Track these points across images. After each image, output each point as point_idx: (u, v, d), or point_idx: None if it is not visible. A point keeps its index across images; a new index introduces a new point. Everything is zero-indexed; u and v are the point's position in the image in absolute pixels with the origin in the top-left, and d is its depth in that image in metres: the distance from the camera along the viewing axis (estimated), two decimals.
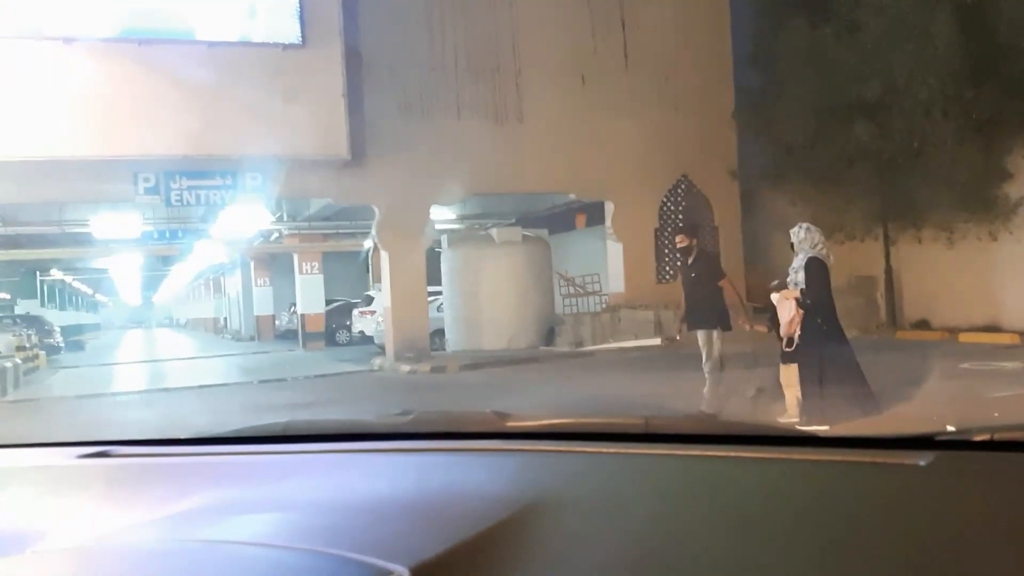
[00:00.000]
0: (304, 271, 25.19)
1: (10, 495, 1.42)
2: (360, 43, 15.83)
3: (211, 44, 14.33)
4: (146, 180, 14.83)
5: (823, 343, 6.77)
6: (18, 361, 18.05)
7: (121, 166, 14.27)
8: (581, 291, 21.37)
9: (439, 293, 19.43)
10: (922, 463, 1.17)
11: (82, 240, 23.09)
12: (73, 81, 13.47)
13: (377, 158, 16.01)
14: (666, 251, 18.42)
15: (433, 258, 18.59)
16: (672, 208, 18.71)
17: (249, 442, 1.61)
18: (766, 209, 18.43)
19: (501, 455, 1.39)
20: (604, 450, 1.35)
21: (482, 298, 18.27)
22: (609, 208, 18.39)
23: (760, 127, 16.87)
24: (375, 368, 16.61)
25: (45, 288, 44.80)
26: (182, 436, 1.69)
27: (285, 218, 24.18)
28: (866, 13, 14.48)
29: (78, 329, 60.99)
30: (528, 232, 19.53)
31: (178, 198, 15.06)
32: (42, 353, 23.08)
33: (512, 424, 1.56)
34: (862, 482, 1.21)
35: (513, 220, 22.51)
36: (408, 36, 16.39)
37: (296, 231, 24.53)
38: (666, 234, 18.41)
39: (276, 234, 25.59)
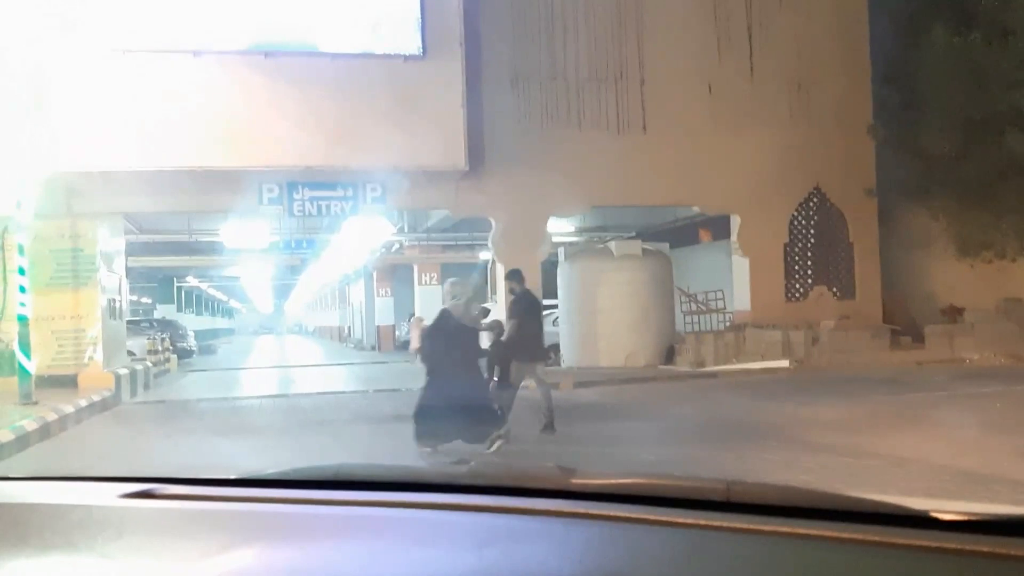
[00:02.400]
0: (423, 282, 25.31)
1: (46, 535, 1.36)
2: (480, 53, 15.69)
3: (334, 56, 14.44)
4: (270, 191, 15.07)
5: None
6: (148, 364, 18.72)
7: (246, 177, 14.54)
8: (704, 308, 20.57)
9: (554, 307, 19.06)
10: None
11: (211, 249, 23.85)
12: (201, 93, 13.79)
13: (495, 169, 15.82)
14: (796, 267, 17.51)
15: (548, 272, 18.22)
16: (803, 223, 17.77)
17: (299, 486, 1.54)
18: (905, 225, 17.28)
19: (566, 520, 1.28)
20: (680, 519, 1.23)
21: (599, 313, 17.80)
22: (735, 222, 17.61)
23: (900, 139, 15.83)
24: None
25: (182, 294, 46.89)
26: (231, 476, 1.62)
27: (406, 229, 24.37)
28: (1018, 17, 13.36)
29: (212, 334, 63.80)
30: (648, 246, 18.95)
31: (300, 209, 15.24)
32: (173, 356, 23.94)
33: (578, 481, 1.47)
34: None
35: (633, 233, 21.96)
36: (528, 45, 16.17)
37: (416, 243, 24.67)
38: (796, 250, 17.51)
39: (397, 245, 25.86)
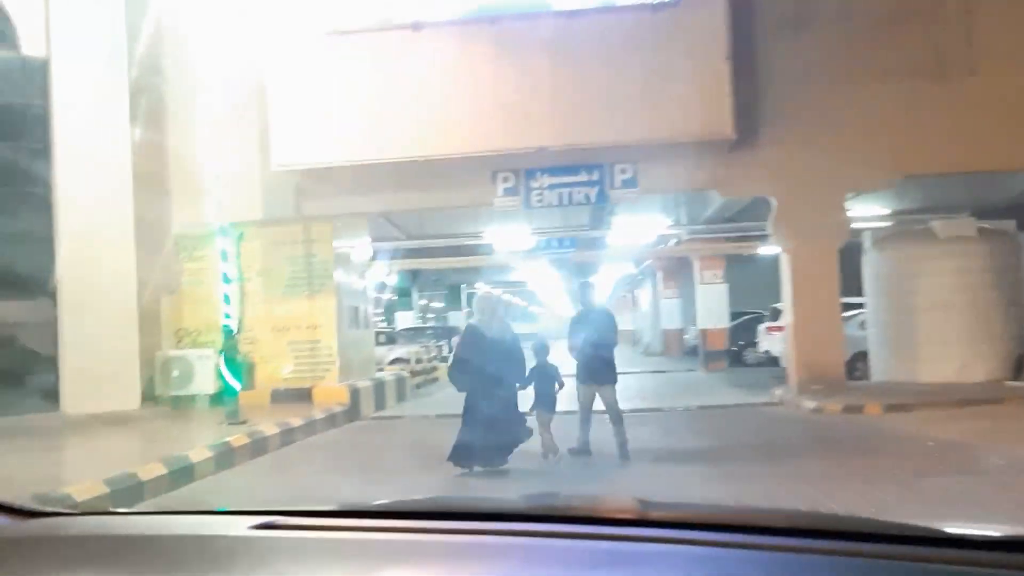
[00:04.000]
0: (705, 280, 22.37)
1: (183, 567, 1.46)
2: None
3: (571, 14, 12.28)
4: (505, 180, 13.21)
5: None
6: (404, 374, 17.72)
7: (476, 166, 12.78)
8: None
9: (860, 306, 15.47)
10: None
11: (478, 252, 22.67)
12: (423, 72, 12.22)
13: (771, 137, 12.79)
14: None
15: (848, 262, 14.65)
16: None
17: (402, 517, 1.64)
18: None
19: (647, 545, 1.37)
20: (749, 542, 1.34)
21: (919, 313, 14.04)
22: None
23: None
24: (773, 400, 13.31)
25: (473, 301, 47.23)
26: (341, 508, 1.71)
27: (684, 221, 21.66)
28: None
29: None
30: (986, 224, 14.77)
31: (539, 198, 13.22)
32: (443, 365, 23.08)
33: (658, 514, 1.57)
34: None
35: (967, 212, 17.55)
36: None
37: (695, 235, 21.81)
38: None
39: (675, 240, 23.18)
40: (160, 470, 7.48)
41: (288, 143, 12.28)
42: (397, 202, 13.66)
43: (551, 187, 13.18)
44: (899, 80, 12.62)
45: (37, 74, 12.56)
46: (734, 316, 23.02)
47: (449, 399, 17.01)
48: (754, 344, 21.09)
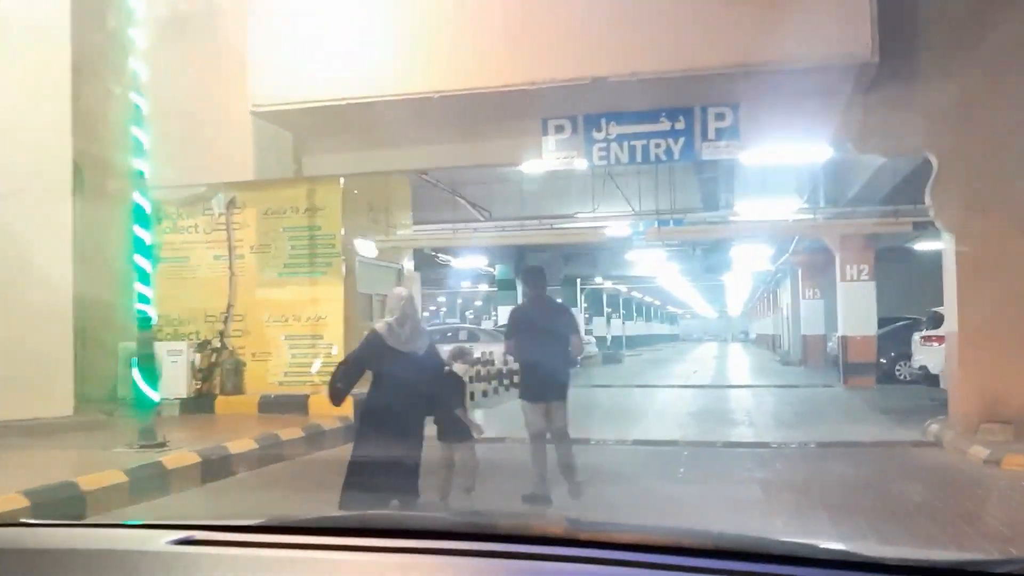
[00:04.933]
0: (847, 276, 18.23)
1: None
2: None
3: None
4: (559, 129, 9.93)
5: None
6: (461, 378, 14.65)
7: (520, 107, 9.58)
8: None
9: None
10: None
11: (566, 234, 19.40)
12: None
13: (935, 66, 8.98)
14: None
15: None
16: None
17: (327, 533, 1.55)
18: None
19: (574, 565, 1.35)
20: (667, 563, 1.32)
21: None
22: None
23: None
24: (926, 439, 9.47)
25: (598, 299, 43.92)
26: (265, 523, 1.62)
27: (822, 202, 17.64)
28: None
29: (644, 341, 60.95)
30: None
31: (603, 153, 9.86)
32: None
33: (586, 534, 1.50)
34: None
35: None
36: None
37: (835, 219, 17.69)
38: None
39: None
40: None
41: (271, 73, 9.41)
42: (422, 158, 10.55)
43: (619, 138, 9.80)
44: None
45: None
46: (884, 322, 18.72)
47: (504, 414, 13.97)
48: (907, 357, 16.83)
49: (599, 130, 9.84)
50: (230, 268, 11.01)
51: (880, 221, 11.67)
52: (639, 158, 9.82)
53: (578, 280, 35.90)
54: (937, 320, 15.26)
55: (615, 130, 9.80)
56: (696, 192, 16.89)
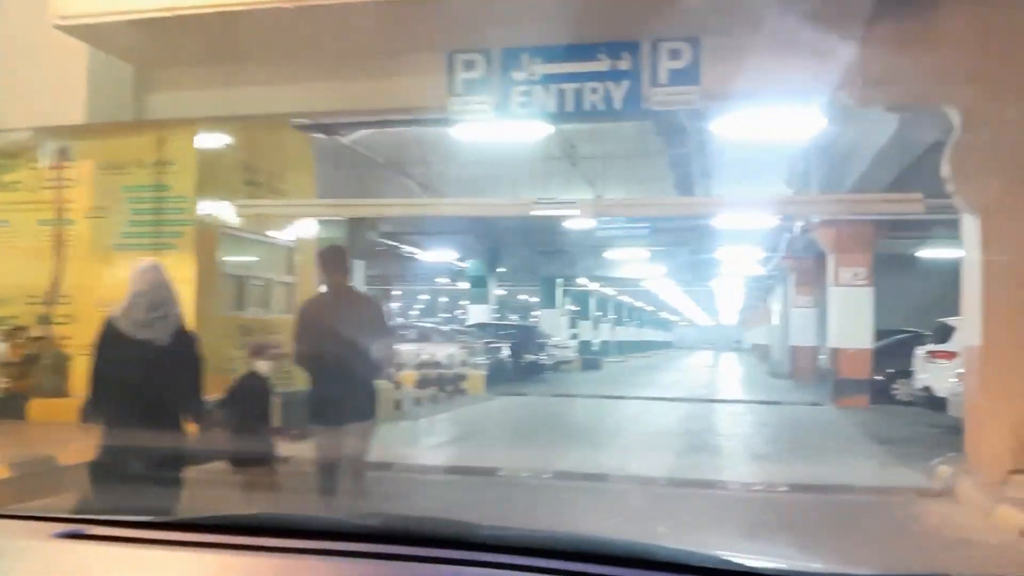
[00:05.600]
0: (840, 280, 15.95)
1: None
2: None
3: None
4: (468, 66, 7.64)
5: None
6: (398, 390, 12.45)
7: (412, 26, 7.31)
8: None
9: None
10: None
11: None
12: None
13: None
14: None
15: None
16: None
17: (220, 531, 1.50)
18: None
19: (470, 570, 1.34)
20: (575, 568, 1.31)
21: None
22: None
23: None
24: (934, 486, 7.19)
25: (583, 301, 41.68)
26: (158, 518, 1.57)
27: (814, 187, 15.30)
28: None
29: (634, 347, 58.67)
30: None
31: (524, 99, 7.57)
32: (478, 374, 17.64)
33: (483, 538, 1.46)
34: None
35: None
36: None
37: (833, 215, 15.37)
38: None
39: (802, 222, 16.84)
40: None
41: None
42: (298, 100, 8.19)
43: (546, 80, 7.52)
44: None
45: None
46: (882, 335, 16.41)
47: (446, 424, 11.77)
48: (907, 375, 14.52)
49: (520, 69, 7.56)
50: (57, 236, 8.72)
51: (886, 198, 9.32)
52: (570, 107, 7.51)
53: (558, 280, 33.58)
54: (944, 333, 13.01)
55: (540, 69, 7.52)
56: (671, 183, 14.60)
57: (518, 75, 7.55)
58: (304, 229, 10.68)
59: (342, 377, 4.91)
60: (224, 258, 9.09)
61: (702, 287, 43.74)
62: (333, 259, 5.18)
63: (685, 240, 23.92)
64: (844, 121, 10.94)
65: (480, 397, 16.22)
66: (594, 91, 7.42)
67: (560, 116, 7.92)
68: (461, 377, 16.36)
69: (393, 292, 42.42)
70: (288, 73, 8.06)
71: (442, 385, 15.66)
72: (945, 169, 6.96)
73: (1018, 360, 6.61)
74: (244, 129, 9.32)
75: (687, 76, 7.26)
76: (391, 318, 4.83)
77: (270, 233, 10.00)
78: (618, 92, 7.39)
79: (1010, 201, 6.73)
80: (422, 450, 9.51)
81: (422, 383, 14.63)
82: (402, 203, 10.98)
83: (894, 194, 9.11)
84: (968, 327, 7.37)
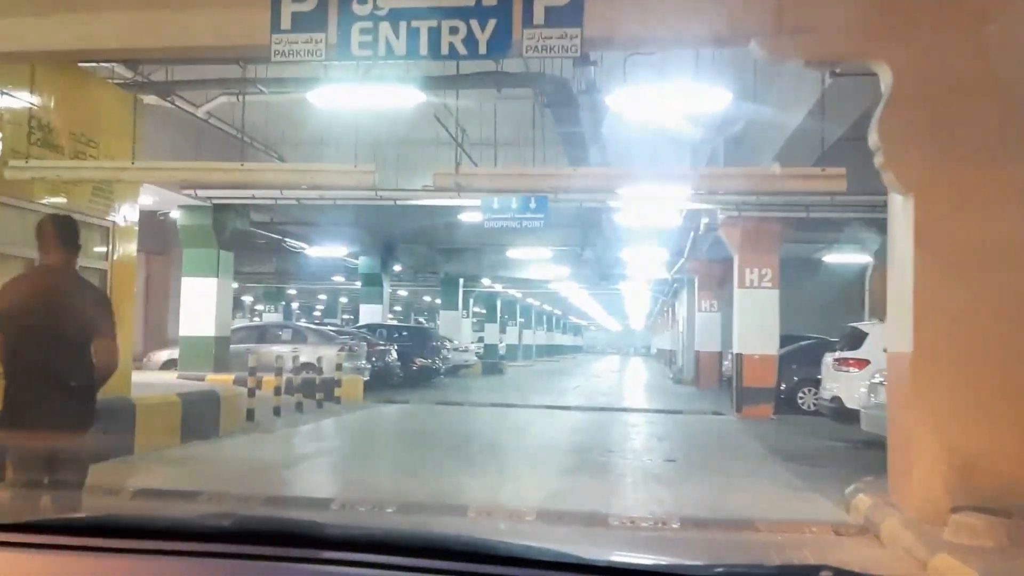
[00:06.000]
0: (746, 282, 14.92)
1: None
2: None
3: None
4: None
5: None
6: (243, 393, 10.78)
7: None
8: None
9: None
10: None
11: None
12: None
13: None
14: None
15: None
16: None
17: (70, 533, 1.45)
18: None
19: (315, 567, 1.33)
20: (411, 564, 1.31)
21: None
22: None
23: None
24: (852, 518, 6.00)
25: (478, 303, 40.33)
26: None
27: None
28: None
29: (545, 351, 57.73)
30: None
31: (367, 39, 6.07)
32: (359, 379, 16.04)
33: (338, 536, 1.45)
34: None
35: None
36: None
37: (739, 213, 14.34)
38: None
39: (706, 219, 15.78)
40: None
41: None
42: (82, 33, 6.48)
43: (393, 16, 6.03)
44: None
45: None
46: (787, 340, 15.44)
47: (320, 437, 10.30)
48: (814, 383, 13.53)
49: (362, 1, 6.06)
50: None
51: (805, 173, 8.06)
52: (424, 50, 6.04)
53: (460, 280, 32.04)
54: (855, 339, 12.01)
55: (387, 2, 6.04)
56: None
57: (360, 8, 6.04)
58: (126, 207, 8.94)
59: (49, 379, 3.84)
60: None
61: (610, 291, 42.96)
62: (53, 232, 3.98)
63: (588, 239, 22.83)
64: (756, 97, 9.76)
65: (355, 405, 14.63)
66: (453, 30, 5.96)
67: (413, 60, 6.40)
68: (335, 383, 14.71)
69: (282, 290, 40.21)
70: None
71: (311, 391, 14.02)
72: (873, 138, 5.74)
73: (956, 370, 5.42)
74: (40, 79, 7.56)
75: (567, 16, 5.87)
76: (112, 312, 3.91)
77: (76, 207, 8.22)
78: (483, 34, 5.96)
79: (949, 179, 5.56)
80: (243, 473, 7.88)
81: (285, 389, 12.97)
82: (216, 167, 9.28)
83: (814, 168, 7.85)
84: (894, 330, 6.16)
